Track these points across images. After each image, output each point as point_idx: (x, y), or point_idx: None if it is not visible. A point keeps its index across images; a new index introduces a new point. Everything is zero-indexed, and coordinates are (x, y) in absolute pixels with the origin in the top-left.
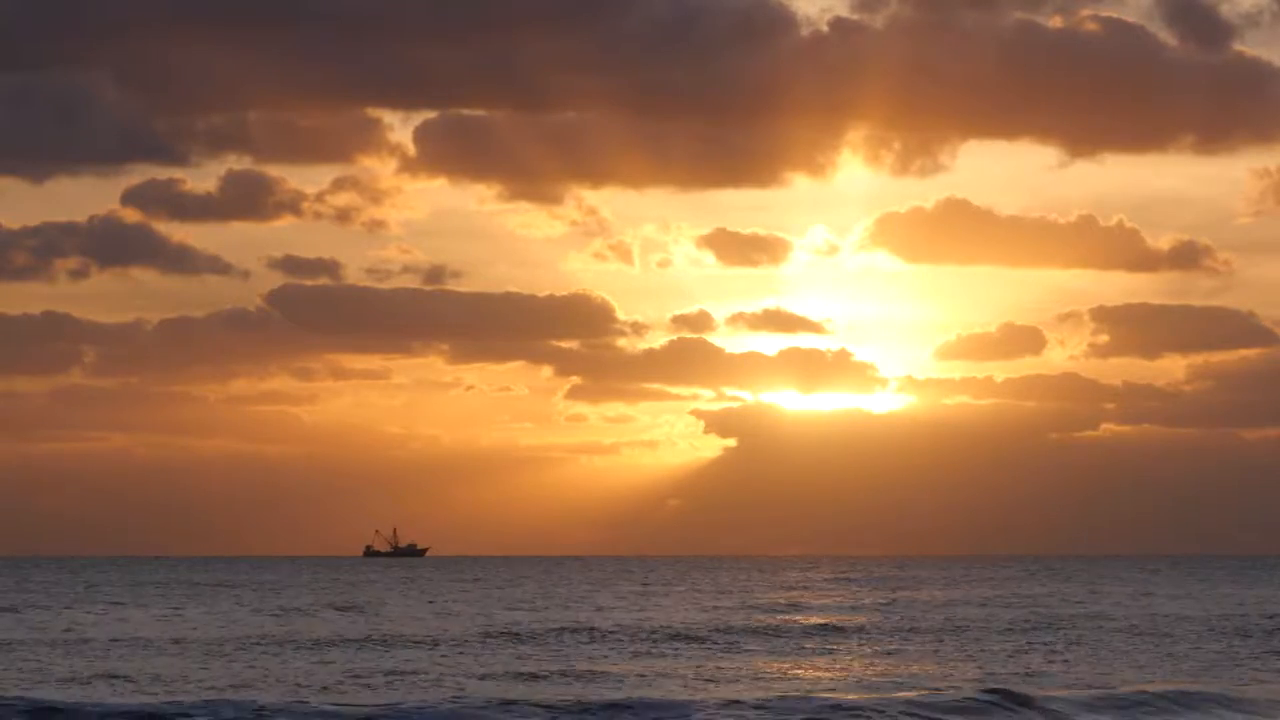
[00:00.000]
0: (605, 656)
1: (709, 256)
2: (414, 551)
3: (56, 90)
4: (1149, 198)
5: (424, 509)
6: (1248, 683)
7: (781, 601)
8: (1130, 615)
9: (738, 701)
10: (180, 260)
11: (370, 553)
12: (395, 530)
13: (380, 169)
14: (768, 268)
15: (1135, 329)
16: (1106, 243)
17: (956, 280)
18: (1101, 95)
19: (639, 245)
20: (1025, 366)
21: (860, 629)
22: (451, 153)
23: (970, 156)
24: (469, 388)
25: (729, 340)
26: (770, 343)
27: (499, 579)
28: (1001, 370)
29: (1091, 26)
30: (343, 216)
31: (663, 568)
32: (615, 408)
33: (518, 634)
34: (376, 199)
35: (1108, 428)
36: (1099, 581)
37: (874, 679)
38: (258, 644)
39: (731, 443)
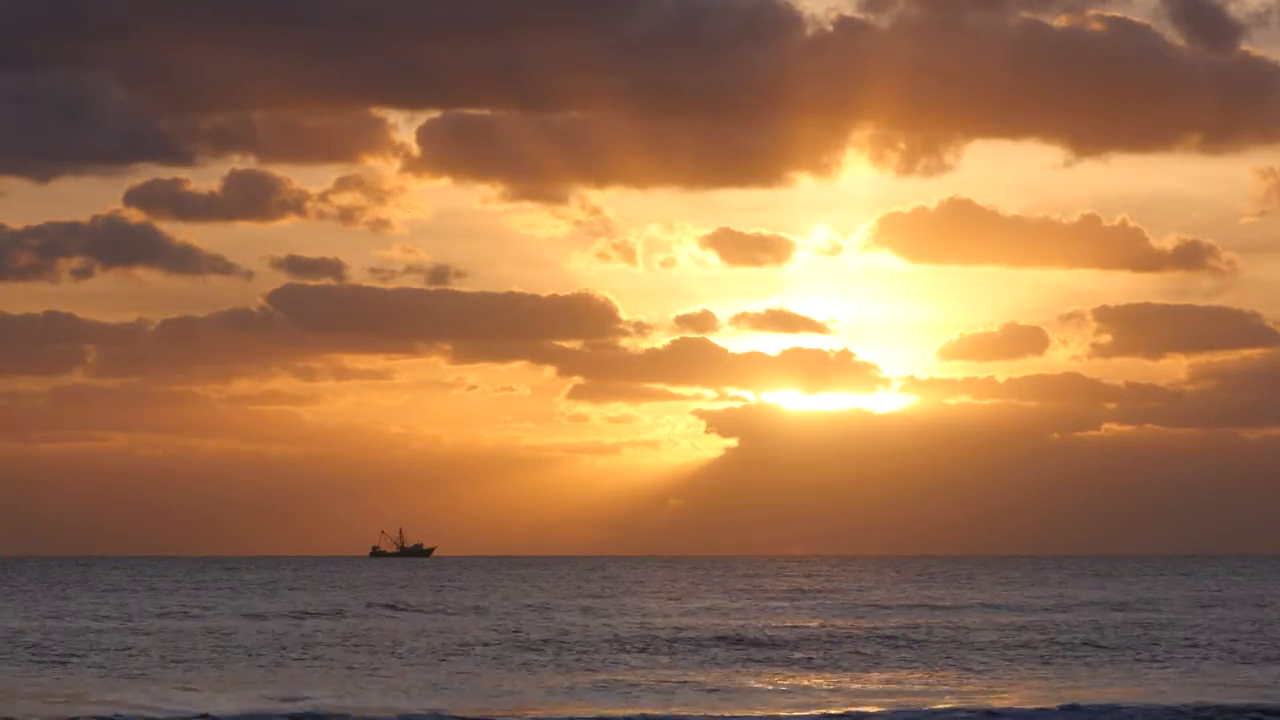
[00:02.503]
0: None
1: (712, 256)
2: (421, 552)
3: (61, 90)
4: (1153, 197)
5: (426, 509)
6: None
7: (956, 602)
8: None
9: (1113, 706)
10: (184, 260)
11: (376, 553)
12: (401, 530)
13: (384, 169)
14: (771, 268)
15: (1138, 329)
16: (1110, 242)
17: (959, 280)
18: (1107, 95)
19: (643, 245)
20: (1027, 366)
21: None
22: (455, 152)
23: (975, 156)
24: (471, 388)
25: (732, 340)
26: (773, 343)
27: (595, 579)
28: (1004, 370)
29: (1097, 26)
30: (346, 216)
31: (720, 567)
32: (617, 408)
33: (743, 640)
34: (380, 199)
35: (1109, 428)
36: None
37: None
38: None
39: (733, 443)
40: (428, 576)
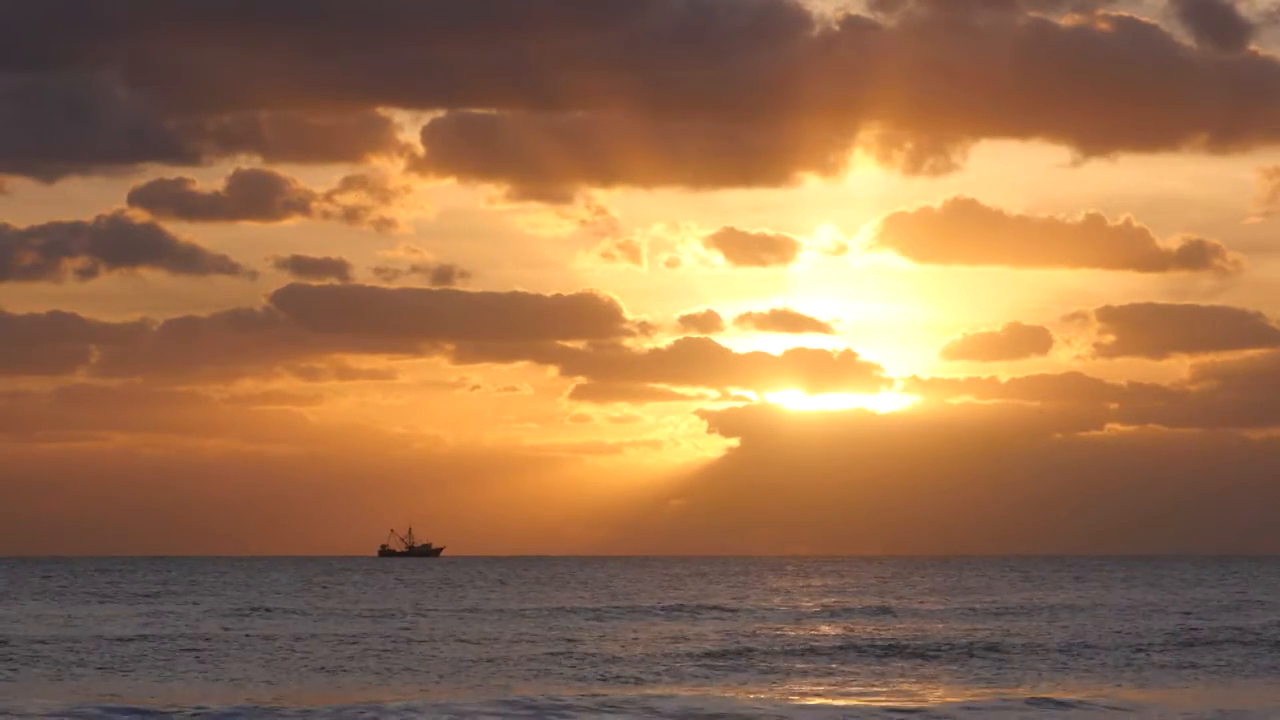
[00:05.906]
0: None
1: (717, 256)
2: (429, 551)
3: (65, 89)
4: (1157, 197)
5: (428, 509)
6: None
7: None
8: None
9: None
10: (188, 260)
11: (385, 552)
12: (411, 530)
13: (389, 168)
14: (776, 267)
15: (1141, 329)
16: (1114, 242)
17: (963, 280)
18: (1115, 94)
19: (647, 245)
20: (1030, 366)
21: None
22: (461, 152)
23: (981, 156)
24: (474, 388)
25: (736, 340)
26: (776, 342)
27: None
28: (1007, 370)
29: (1105, 26)
30: (351, 216)
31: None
32: (620, 408)
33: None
34: (385, 198)
35: (1112, 428)
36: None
37: None
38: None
39: (735, 443)
40: (510, 578)
